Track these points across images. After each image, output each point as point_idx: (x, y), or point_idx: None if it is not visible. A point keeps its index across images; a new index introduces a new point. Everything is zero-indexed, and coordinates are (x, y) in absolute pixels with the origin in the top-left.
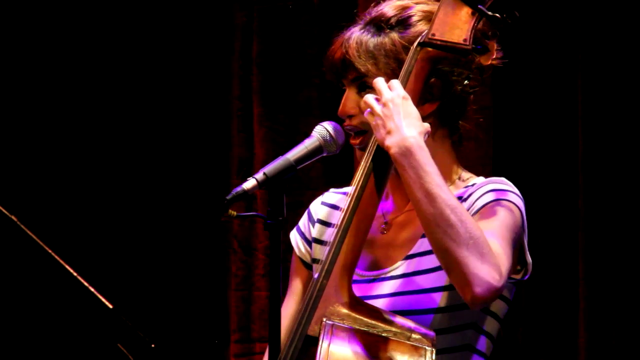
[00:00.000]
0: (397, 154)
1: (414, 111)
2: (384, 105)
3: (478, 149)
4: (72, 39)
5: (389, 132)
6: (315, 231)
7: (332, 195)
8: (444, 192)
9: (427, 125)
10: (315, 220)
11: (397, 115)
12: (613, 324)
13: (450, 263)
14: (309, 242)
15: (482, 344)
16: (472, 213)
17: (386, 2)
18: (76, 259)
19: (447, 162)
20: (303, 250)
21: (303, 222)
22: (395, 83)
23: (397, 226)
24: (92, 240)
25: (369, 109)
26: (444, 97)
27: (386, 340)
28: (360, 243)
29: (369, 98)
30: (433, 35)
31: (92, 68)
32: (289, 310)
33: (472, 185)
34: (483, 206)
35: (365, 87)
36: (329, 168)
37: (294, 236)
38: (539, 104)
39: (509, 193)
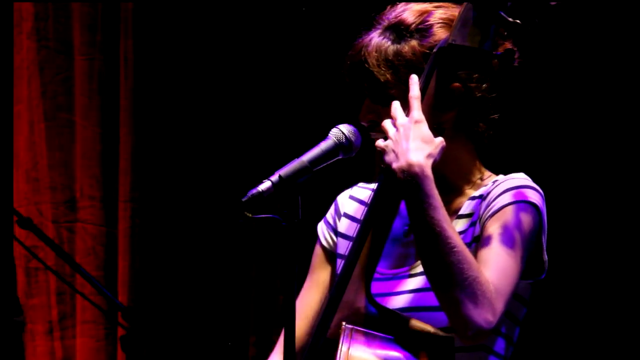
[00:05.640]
0: (401, 181)
1: (425, 133)
2: (397, 129)
3: None
4: None
5: (396, 156)
6: (341, 225)
7: (361, 190)
8: (445, 230)
9: (439, 143)
10: (342, 213)
11: (406, 139)
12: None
13: (444, 301)
14: (336, 233)
15: (499, 345)
16: (489, 214)
17: (405, 5)
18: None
19: (468, 164)
20: (330, 240)
21: (330, 213)
22: (414, 105)
23: None
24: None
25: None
26: (465, 102)
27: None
28: (379, 248)
29: (387, 123)
30: (454, 40)
31: None
32: (309, 298)
33: (493, 182)
34: (500, 209)
35: (380, 99)
36: None
37: (321, 227)
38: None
39: (528, 190)
